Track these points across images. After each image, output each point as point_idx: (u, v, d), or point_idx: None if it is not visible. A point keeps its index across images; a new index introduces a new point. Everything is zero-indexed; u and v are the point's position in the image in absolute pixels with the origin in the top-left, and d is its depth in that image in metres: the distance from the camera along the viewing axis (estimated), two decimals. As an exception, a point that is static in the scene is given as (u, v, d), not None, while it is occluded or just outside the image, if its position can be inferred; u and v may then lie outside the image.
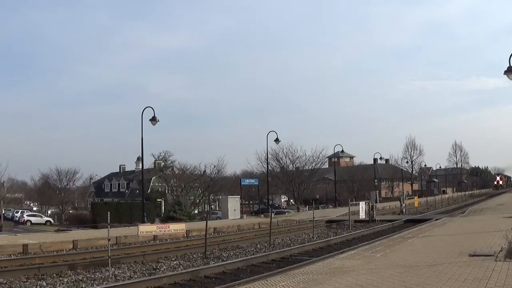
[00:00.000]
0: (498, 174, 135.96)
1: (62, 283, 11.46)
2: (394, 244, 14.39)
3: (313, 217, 24.38)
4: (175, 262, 14.82)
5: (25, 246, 17.03)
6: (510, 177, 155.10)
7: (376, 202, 38.77)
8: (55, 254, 16.30)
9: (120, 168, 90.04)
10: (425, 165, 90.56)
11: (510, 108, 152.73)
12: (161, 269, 13.57)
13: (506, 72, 15.33)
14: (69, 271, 13.06)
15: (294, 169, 60.76)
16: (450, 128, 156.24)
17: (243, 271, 12.86)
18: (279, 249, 17.51)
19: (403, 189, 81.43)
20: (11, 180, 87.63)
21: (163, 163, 69.08)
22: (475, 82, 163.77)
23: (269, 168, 51.87)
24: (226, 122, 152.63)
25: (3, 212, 56.40)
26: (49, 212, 72.81)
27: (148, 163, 68.59)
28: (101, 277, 12.25)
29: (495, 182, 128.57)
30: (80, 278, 12.08)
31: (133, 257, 15.40)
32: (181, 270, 12.98)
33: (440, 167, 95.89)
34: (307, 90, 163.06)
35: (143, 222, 28.41)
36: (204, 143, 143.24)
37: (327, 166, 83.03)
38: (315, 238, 21.87)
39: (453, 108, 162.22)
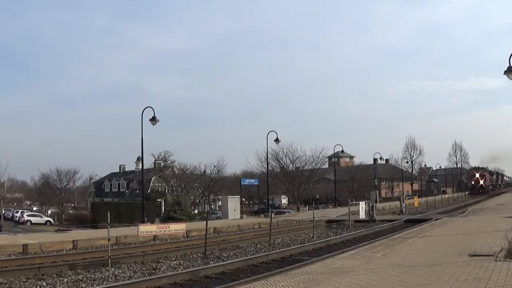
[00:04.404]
0: (477, 169, 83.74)
1: (62, 283, 11.46)
2: (394, 244, 14.39)
3: (313, 217, 24.41)
4: (175, 262, 14.83)
5: (25, 246, 17.03)
6: (501, 174, 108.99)
7: (376, 202, 38.73)
8: (55, 254, 16.31)
9: (120, 168, 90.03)
10: (425, 165, 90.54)
11: (509, 108, 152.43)
12: (161, 269, 13.58)
13: (506, 72, 15.32)
14: (69, 271, 13.06)
15: (294, 169, 60.75)
16: (450, 128, 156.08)
17: (243, 271, 12.86)
18: (279, 249, 17.52)
19: (403, 189, 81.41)
20: (11, 180, 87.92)
21: (163, 163, 69.03)
22: (474, 82, 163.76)
23: (269, 168, 51.89)
24: (226, 122, 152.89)
25: (3, 212, 56.46)
26: (49, 212, 72.82)
27: (148, 163, 68.63)
28: (101, 277, 12.25)
29: (473, 183, 79.89)
30: (80, 278, 12.08)
31: (133, 257, 15.41)
32: (181, 270, 12.98)
33: (440, 167, 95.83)
34: (307, 90, 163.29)
35: (143, 222, 28.41)
36: (204, 143, 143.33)
37: (327, 166, 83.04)
38: (315, 238, 21.87)
39: (453, 108, 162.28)
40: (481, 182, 79.20)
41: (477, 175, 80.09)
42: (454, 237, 15.73)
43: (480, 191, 77.08)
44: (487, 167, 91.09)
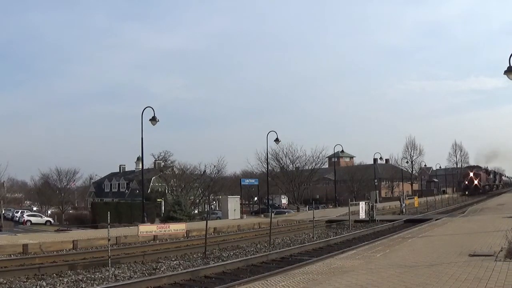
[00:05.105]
0: (471, 168, 79.32)
1: (62, 283, 11.46)
2: (394, 244, 14.39)
3: (313, 217, 24.37)
4: (175, 262, 14.83)
5: (25, 246, 17.03)
6: (499, 173, 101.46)
7: (376, 202, 38.72)
8: (55, 254, 16.31)
9: (120, 168, 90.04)
10: (425, 165, 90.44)
11: (509, 108, 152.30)
12: (161, 269, 13.58)
13: (506, 72, 15.30)
14: (69, 271, 13.06)
15: (294, 169, 60.76)
16: (450, 128, 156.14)
17: (243, 271, 12.86)
18: (279, 249, 17.51)
19: (403, 189, 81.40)
20: (11, 180, 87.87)
21: (163, 163, 69.10)
22: (474, 82, 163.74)
23: (269, 168, 51.87)
24: (226, 122, 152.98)
25: (3, 212, 56.45)
26: (49, 212, 72.83)
27: (148, 163, 68.71)
28: (101, 277, 12.25)
29: (466, 182, 74.74)
30: (80, 278, 12.08)
31: (133, 257, 15.41)
32: (181, 270, 12.98)
33: (440, 167, 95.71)
34: (307, 90, 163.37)
35: (143, 222, 28.37)
36: (204, 143, 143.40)
37: (327, 166, 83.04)
38: (315, 238, 21.87)
39: (453, 108, 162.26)
40: (476, 181, 73.92)
41: (471, 174, 74.93)
42: (454, 237, 15.73)
43: (480, 191, 72.74)
44: (487, 167, 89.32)
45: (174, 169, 63.96)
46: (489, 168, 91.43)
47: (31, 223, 59.51)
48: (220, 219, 39.29)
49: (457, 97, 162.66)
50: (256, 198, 73.69)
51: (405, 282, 7.88)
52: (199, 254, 16.50)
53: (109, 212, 16.41)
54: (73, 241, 18.58)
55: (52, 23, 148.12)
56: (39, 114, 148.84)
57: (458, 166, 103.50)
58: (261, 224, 28.73)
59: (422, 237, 15.98)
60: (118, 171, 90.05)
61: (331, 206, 59.15)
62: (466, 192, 71.37)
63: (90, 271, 13.15)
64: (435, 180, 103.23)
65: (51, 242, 18.19)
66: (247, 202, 72.97)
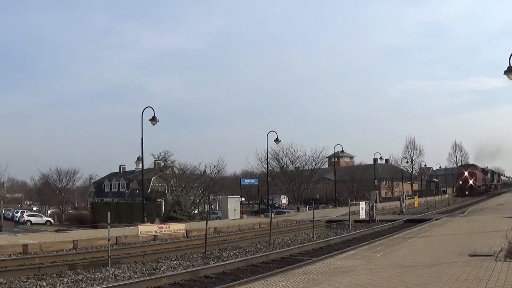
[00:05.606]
0: (466, 167, 74.44)
1: (62, 283, 11.46)
2: (394, 244, 14.39)
3: (313, 217, 24.37)
4: (175, 262, 14.83)
5: (25, 246, 17.03)
6: (497, 172, 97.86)
7: (376, 202, 38.72)
8: (55, 254, 16.31)
9: (120, 168, 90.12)
10: (425, 165, 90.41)
11: (509, 108, 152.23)
12: (161, 269, 13.57)
13: (506, 72, 15.31)
14: (69, 271, 13.06)
15: (294, 169, 60.83)
16: (450, 128, 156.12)
17: (243, 271, 12.86)
18: (279, 249, 17.51)
19: (403, 189, 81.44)
20: (11, 180, 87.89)
21: (163, 163, 69.13)
22: (474, 82, 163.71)
23: (269, 168, 51.92)
24: (226, 122, 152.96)
25: (3, 212, 56.47)
26: (49, 212, 72.86)
27: (148, 163, 68.74)
28: (101, 277, 12.25)
29: (461, 182, 70.49)
30: (80, 278, 12.08)
31: (133, 257, 15.41)
32: (181, 270, 12.98)
33: (440, 167, 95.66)
34: (307, 90, 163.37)
35: (143, 222, 28.37)
36: (204, 143, 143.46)
37: (327, 166, 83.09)
38: (315, 238, 21.87)
39: (453, 108, 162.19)
40: (471, 181, 69.14)
41: (466, 173, 70.17)
42: (454, 237, 15.73)
43: (480, 191, 69.47)
44: (487, 166, 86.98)
45: (174, 169, 63.98)
46: (489, 167, 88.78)
47: (31, 223, 59.55)
48: (220, 219, 39.29)
49: (457, 97, 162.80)
50: (244, 199, 73.58)
51: (405, 282, 7.87)
52: (199, 254, 16.50)
53: (109, 212, 16.41)
54: (73, 241, 18.58)
55: (52, 23, 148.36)
56: (39, 114, 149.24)
57: (458, 166, 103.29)
58: (261, 224, 28.73)
59: (422, 237, 15.98)
60: (118, 171, 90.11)
61: (331, 206, 59.14)
62: (466, 193, 68.82)
63: (90, 271, 13.16)
64: (435, 180, 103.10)
65: (51, 242, 18.19)
66: (247, 202, 72.90)
